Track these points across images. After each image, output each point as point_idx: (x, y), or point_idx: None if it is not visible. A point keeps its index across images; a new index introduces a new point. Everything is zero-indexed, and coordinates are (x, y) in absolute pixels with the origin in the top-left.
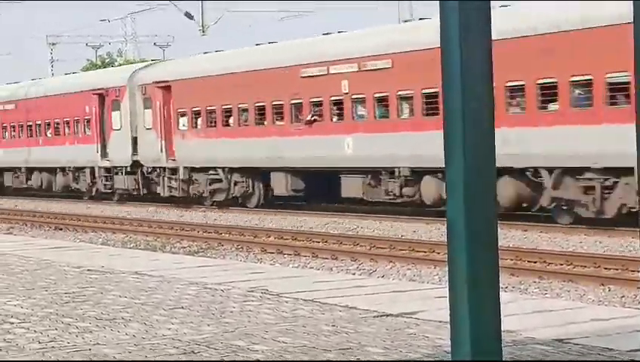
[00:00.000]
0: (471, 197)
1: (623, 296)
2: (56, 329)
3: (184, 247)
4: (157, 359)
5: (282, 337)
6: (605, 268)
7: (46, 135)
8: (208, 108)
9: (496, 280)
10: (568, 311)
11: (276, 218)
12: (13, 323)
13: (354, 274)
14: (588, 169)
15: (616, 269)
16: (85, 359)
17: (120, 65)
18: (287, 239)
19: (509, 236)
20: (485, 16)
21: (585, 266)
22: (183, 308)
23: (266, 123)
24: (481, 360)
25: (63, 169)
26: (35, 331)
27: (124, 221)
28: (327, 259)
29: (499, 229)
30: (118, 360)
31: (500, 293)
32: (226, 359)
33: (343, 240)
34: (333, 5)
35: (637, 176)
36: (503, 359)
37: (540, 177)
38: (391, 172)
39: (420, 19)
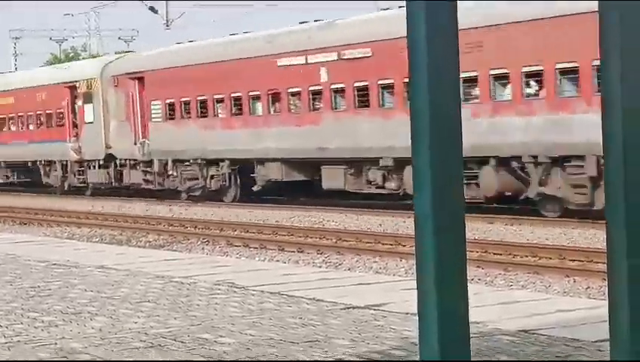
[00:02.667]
0: (439, 189)
1: (588, 287)
2: (21, 323)
3: (150, 241)
4: (126, 353)
5: (249, 330)
6: (570, 260)
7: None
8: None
9: (464, 272)
10: (534, 303)
11: (242, 211)
12: None
13: (320, 266)
14: None
15: (581, 261)
16: (52, 353)
17: (84, 59)
18: (253, 232)
19: (474, 228)
20: (452, 15)
21: (550, 258)
22: (149, 301)
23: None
24: (450, 358)
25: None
26: (0, 325)
27: (90, 215)
28: (293, 252)
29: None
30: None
31: (467, 284)
32: (193, 352)
33: (309, 233)
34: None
35: (605, 167)
36: (471, 352)
37: None
38: None
39: None
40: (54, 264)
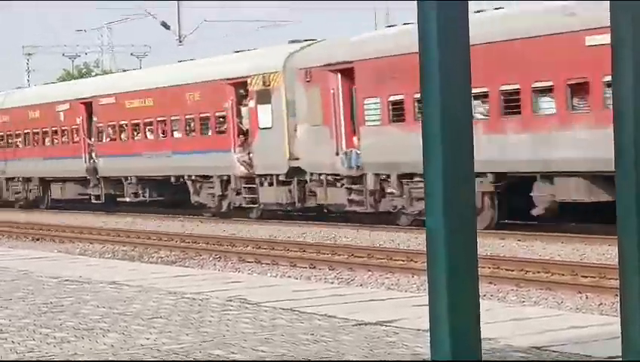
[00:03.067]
0: (450, 205)
1: (600, 304)
2: (34, 339)
3: (162, 257)
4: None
5: (261, 346)
6: (583, 276)
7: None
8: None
9: (476, 289)
10: (546, 319)
11: (253, 228)
12: None
13: (332, 283)
14: None
15: (594, 277)
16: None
17: (97, 75)
18: (264, 248)
19: (486, 244)
20: (463, 16)
21: (563, 274)
22: (161, 317)
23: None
24: None
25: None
26: (12, 341)
27: (102, 231)
28: (305, 268)
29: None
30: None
31: (479, 300)
32: None
33: (321, 249)
34: (310, 8)
35: (616, 180)
36: None
37: None
38: None
39: None
40: (67, 280)
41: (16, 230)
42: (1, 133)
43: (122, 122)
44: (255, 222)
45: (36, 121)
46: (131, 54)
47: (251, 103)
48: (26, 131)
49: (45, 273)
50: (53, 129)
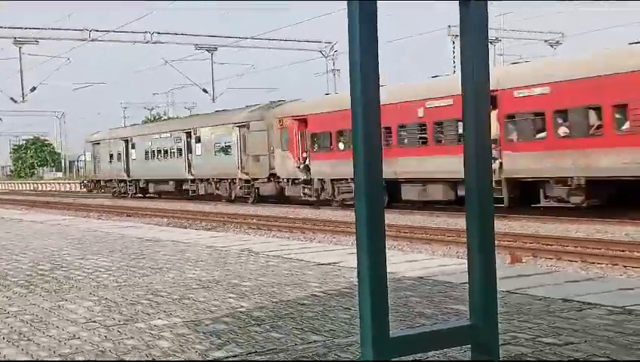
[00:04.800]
0: (369, 198)
1: (457, 252)
2: (127, 274)
3: (202, 226)
4: (189, 292)
5: (260, 278)
6: (448, 236)
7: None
8: None
9: (384, 245)
10: (426, 261)
11: (256, 208)
12: (101, 271)
13: (302, 240)
14: None
15: (454, 236)
16: (145, 291)
17: (164, 120)
18: (262, 221)
19: (390, 218)
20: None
21: (437, 235)
22: (201, 261)
23: None
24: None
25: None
26: (114, 276)
27: (166, 211)
28: (286, 232)
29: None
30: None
31: (385, 251)
32: (227, 291)
33: (296, 221)
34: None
35: (465, 181)
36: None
37: None
38: None
39: None
40: (146, 239)
41: (113, 210)
42: None
43: None
44: (258, 206)
45: None
46: (185, 107)
47: None
48: None
49: (134, 235)
50: None
